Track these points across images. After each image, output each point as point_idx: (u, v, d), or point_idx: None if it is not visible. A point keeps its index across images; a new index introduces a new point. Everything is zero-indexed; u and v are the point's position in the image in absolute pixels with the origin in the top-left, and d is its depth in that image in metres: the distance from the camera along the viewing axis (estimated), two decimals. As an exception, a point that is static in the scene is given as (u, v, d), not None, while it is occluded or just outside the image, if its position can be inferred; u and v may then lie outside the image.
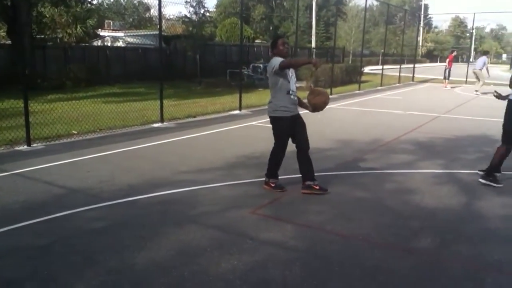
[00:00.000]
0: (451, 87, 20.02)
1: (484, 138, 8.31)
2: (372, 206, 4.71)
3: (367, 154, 7.04)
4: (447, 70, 20.01)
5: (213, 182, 5.37)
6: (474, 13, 27.47)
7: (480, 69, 17.55)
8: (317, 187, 5.04)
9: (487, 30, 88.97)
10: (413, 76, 23.68)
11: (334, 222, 4.25)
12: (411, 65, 24.85)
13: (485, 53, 19.14)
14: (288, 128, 5.00)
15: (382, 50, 44.72)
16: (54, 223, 4.11)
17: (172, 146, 7.55)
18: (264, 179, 5.20)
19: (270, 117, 5.06)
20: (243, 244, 3.71)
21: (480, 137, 8.50)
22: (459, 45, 40.22)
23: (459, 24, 61.97)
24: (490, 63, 57.01)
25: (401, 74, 22.39)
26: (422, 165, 6.37)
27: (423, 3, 65.90)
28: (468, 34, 49.06)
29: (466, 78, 22.14)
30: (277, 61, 4.80)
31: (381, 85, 19.93)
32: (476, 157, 6.83)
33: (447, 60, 20.37)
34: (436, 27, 67.10)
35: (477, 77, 17.66)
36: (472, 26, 32.51)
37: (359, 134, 8.79)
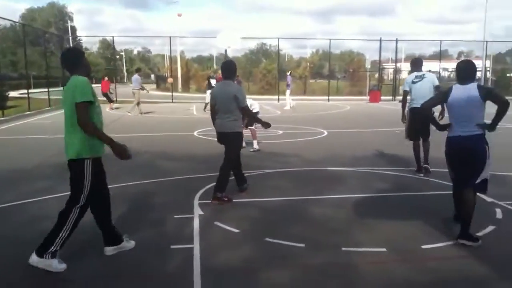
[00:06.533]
0: (114, 108, 20.65)
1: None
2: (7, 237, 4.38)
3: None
4: (108, 93, 20.68)
5: None
6: (117, 36, 29.37)
7: (138, 89, 17.62)
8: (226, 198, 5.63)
9: (135, 52, 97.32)
10: (65, 99, 23.29)
11: None
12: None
13: (137, 70, 19.54)
14: None
15: (34, 73, 42.34)
16: None
17: None
18: None
19: (233, 132, 5.61)
20: None
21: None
22: (110, 67, 42.31)
23: (107, 46, 65.04)
24: (142, 83, 62.69)
25: (52, 97, 21.72)
26: (62, 189, 6.31)
27: (69, 25, 66.04)
28: (118, 56, 52.17)
29: (116, 97, 23.37)
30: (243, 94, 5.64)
31: (29, 110, 18.75)
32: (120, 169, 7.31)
33: (102, 83, 21.17)
34: (87, 49, 68.40)
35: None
36: (121, 50, 34.69)
37: (-3, 165, 8.02)
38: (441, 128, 4.65)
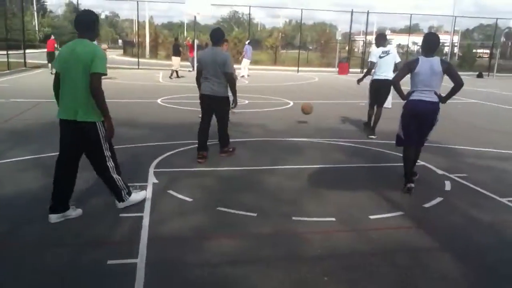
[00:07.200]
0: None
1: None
2: None
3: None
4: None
5: None
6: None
7: None
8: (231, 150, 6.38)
9: (103, 16, 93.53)
10: (25, 62, 22.43)
11: None
12: (26, 51, 23.34)
13: None
14: None
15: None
16: None
17: None
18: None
19: (225, 97, 5.96)
20: None
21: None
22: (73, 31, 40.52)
23: (74, 9, 62.59)
24: (109, 48, 60.55)
25: (11, 60, 20.82)
26: (12, 154, 6.12)
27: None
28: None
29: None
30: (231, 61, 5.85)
31: (-13, 73, 18.00)
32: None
33: (48, 42, 20.38)
34: (51, 12, 65.47)
35: None
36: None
37: None
38: (405, 97, 5.11)
